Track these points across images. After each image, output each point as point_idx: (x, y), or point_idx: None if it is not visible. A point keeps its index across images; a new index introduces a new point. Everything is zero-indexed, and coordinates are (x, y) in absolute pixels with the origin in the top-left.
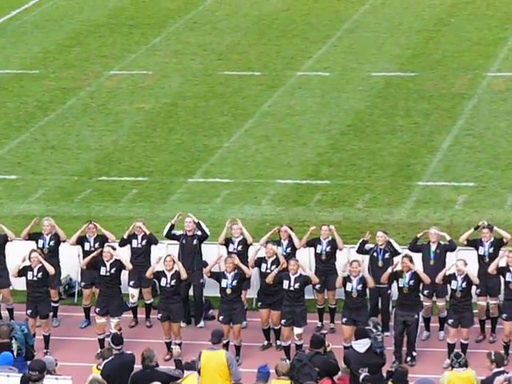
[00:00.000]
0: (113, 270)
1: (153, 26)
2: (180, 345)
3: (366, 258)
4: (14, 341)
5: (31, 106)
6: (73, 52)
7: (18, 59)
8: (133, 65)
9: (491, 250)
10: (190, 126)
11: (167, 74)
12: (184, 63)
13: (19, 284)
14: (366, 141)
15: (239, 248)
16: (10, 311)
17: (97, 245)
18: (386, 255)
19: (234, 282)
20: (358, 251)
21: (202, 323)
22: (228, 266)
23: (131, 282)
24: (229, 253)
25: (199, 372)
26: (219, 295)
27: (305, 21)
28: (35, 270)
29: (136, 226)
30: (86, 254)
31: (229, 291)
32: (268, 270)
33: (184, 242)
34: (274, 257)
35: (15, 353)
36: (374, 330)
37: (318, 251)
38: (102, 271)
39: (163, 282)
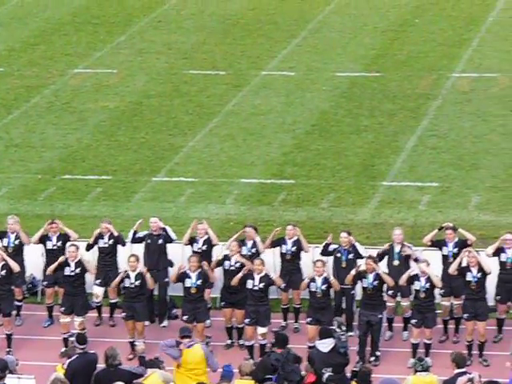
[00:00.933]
0: (78, 270)
1: (118, 24)
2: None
3: (331, 258)
4: None
5: None
6: (37, 50)
7: None
8: (97, 63)
9: (455, 251)
10: (155, 125)
11: (132, 73)
12: (149, 62)
13: None
14: (330, 140)
15: (204, 247)
16: None
17: (59, 243)
18: (350, 256)
19: (199, 281)
20: (322, 253)
21: (165, 323)
22: (192, 266)
23: (97, 281)
24: (193, 252)
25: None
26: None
27: (270, 20)
28: None
29: (103, 227)
30: (48, 252)
31: (193, 290)
32: (232, 267)
33: (149, 241)
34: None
35: None
36: (338, 330)
37: (283, 251)
38: (67, 271)
39: (127, 282)
